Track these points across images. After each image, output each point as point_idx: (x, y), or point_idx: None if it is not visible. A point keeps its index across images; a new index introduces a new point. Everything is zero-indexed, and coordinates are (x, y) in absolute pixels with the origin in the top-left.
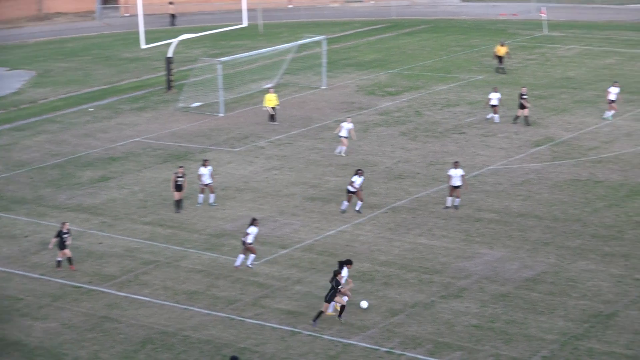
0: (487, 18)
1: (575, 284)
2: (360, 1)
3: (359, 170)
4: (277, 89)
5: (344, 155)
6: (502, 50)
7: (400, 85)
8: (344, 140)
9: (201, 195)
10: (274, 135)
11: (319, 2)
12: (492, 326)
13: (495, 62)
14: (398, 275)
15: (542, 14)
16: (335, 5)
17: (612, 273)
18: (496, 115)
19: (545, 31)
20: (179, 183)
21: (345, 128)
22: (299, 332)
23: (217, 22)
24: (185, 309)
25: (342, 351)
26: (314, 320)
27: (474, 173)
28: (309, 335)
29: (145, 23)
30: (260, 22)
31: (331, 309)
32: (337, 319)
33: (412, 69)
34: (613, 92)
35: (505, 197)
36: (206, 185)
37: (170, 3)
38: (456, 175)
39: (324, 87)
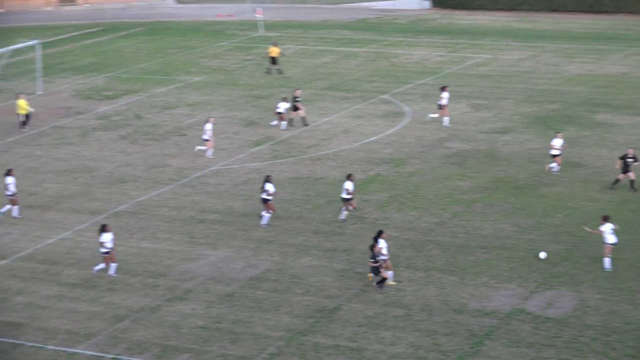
0: (204, 19)
1: (299, 280)
2: (73, 4)
3: (350, 174)
4: None
5: (212, 156)
6: (275, 51)
7: (118, 89)
8: (210, 143)
9: None
10: None
11: (31, 6)
12: (219, 326)
13: (269, 63)
14: (123, 280)
15: (258, 15)
16: (49, 8)
17: (334, 268)
18: (283, 123)
19: (261, 31)
20: None
21: (209, 129)
22: (22, 344)
23: None
24: None
25: None
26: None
27: (196, 174)
28: (33, 346)
29: None
30: None
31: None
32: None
33: (130, 72)
34: (444, 97)
35: (228, 197)
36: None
37: None
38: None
39: (39, 93)
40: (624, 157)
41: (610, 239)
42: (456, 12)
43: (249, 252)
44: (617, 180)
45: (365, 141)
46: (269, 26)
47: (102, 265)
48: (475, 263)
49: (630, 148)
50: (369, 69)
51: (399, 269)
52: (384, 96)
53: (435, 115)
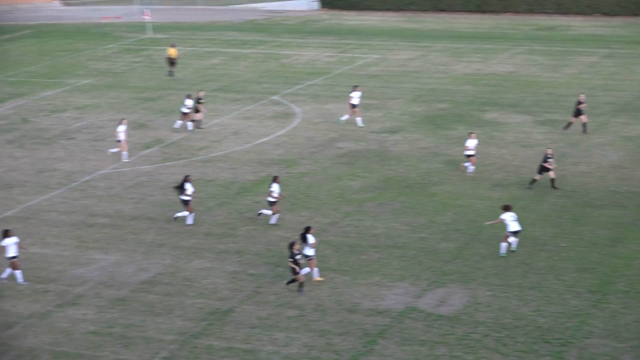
0: (91, 22)
1: (191, 283)
2: None
3: (276, 177)
4: None
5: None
6: (174, 52)
7: (4, 93)
8: (124, 145)
9: None
10: None
11: None
12: (111, 331)
13: (168, 65)
14: (11, 286)
15: (146, 17)
16: None
17: (227, 270)
18: (189, 123)
19: (150, 33)
20: None
21: (121, 131)
22: None
23: None
24: None
25: None
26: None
27: (86, 178)
28: None
29: None
30: None
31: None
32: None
33: (16, 76)
34: (355, 97)
35: (118, 201)
36: None
37: None
38: None
39: None
40: (545, 158)
41: (513, 226)
42: (345, 12)
43: (140, 255)
44: (534, 180)
45: (256, 142)
46: (158, 28)
47: (8, 271)
48: (367, 262)
49: (549, 148)
50: (258, 70)
51: None
52: (274, 97)
53: (347, 117)
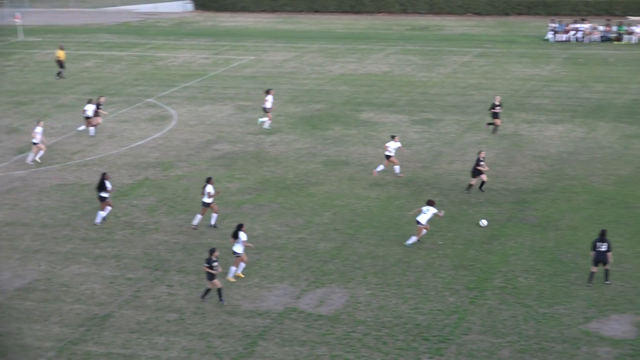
0: None
1: (69, 289)
2: None
3: (209, 178)
4: None
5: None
6: (62, 55)
7: None
8: (41, 146)
9: None
10: None
11: None
12: None
13: (57, 66)
14: None
15: (17, 20)
16: None
17: (104, 275)
18: (91, 128)
19: (21, 37)
20: None
21: (38, 132)
22: None
23: None
24: None
25: None
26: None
27: None
28: None
29: None
30: None
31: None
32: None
33: None
34: (269, 100)
35: None
36: None
37: None
38: None
39: None
40: (477, 161)
41: (422, 218)
42: (219, 14)
43: (15, 262)
44: (470, 185)
45: (132, 146)
46: (29, 31)
47: None
48: (247, 264)
49: (482, 151)
50: (133, 72)
51: (170, 273)
52: (150, 100)
53: (265, 119)
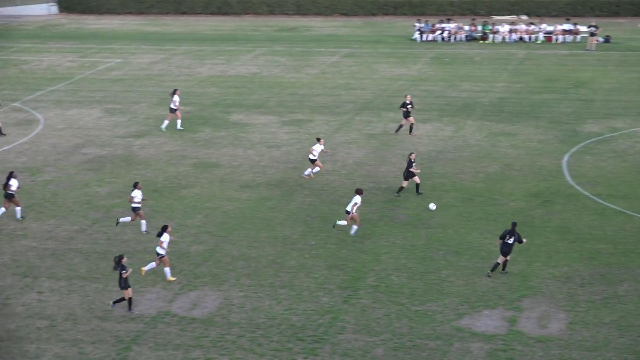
0: None
1: None
2: None
3: (137, 183)
4: None
5: None
6: None
7: None
8: None
9: None
10: None
11: None
12: None
13: None
14: None
15: None
16: None
17: None
18: None
19: None
20: None
21: None
22: None
23: None
24: None
25: None
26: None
27: None
28: None
29: None
30: None
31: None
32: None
33: None
34: (176, 101)
35: None
36: None
37: None
38: None
39: None
40: (409, 163)
41: (349, 207)
42: (85, 16)
43: None
44: (402, 188)
45: None
46: None
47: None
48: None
49: (412, 153)
50: None
51: (40, 279)
52: (15, 104)
53: (167, 122)
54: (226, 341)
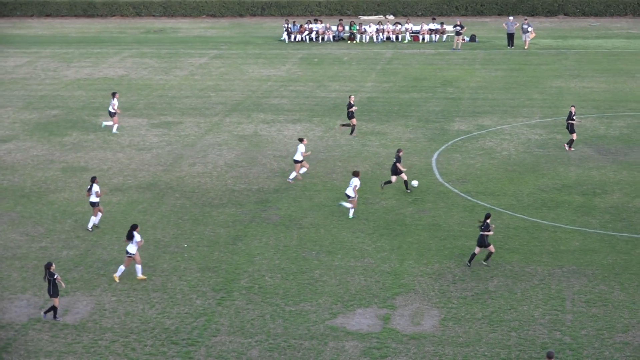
0: None
1: None
2: None
3: (94, 177)
4: None
5: None
6: None
7: None
8: None
9: None
10: None
11: None
12: None
13: None
14: None
15: None
16: None
17: None
18: None
19: None
20: None
21: None
22: None
23: None
24: None
25: None
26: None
27: None
28: None
29: None
30: None
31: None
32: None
33: None
34: (114, 104)
35: None
36: None
37: None
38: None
39: None
40: (397, 158)
41: (349, 191)
42: None
43: None
44: (389, 182)
45: None
46: None
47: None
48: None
49: (401, 149)
50: None
51: None
52: None
53: (110, 123)
54: (99, 347)
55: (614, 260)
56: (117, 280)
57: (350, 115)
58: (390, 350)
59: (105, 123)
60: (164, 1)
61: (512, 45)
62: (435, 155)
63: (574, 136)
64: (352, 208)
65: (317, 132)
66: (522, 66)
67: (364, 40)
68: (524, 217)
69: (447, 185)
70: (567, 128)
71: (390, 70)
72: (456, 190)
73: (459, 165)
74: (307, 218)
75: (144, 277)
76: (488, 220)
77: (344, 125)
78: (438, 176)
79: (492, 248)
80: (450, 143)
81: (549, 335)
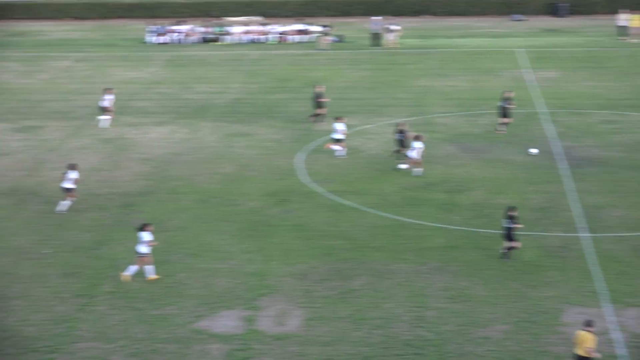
0: None
1: None
2: None
3: (74, 165)
4: None
5: None
6: None
7: None
8: None
9: None
10: None
11: None
12: None
13: None
14: None
15: None
16: None
17: None
18: None
19: None
20: None
21: None
22: None
23: None
24: None
25: None
26: None
27: None
28: None
29: None
30: None
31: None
32: None
33: None
34: (107, 99)
35: None
36: None
37: None
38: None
39: None
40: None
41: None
42: None
43: None
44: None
45: None
46: None
47: None
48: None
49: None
50: None
51: None
52: None
53: (105, 117)
54: None
55: (476, 257)
56: (156, 277)
57: (319, 105)
58: (254, 351)
59: (100, 118)
60: (28, 3)
61: (378, 45)
62: (300, 156)
63: (506, 120)
64: (419, 168)
65: (182, 135)
66: (388, 66)
67: (230, 42)
68: (389, 215)
69: (312, 185)
70: (501, 114)
71: (257, 71)
72: (322, 190)
73: (325, 165)
74: (172, 221)
75: (157, 277)
76: (515, 213)
77: (314, 116)
78: (304, 176)
79: (518, 244)
80: (316, 143)
81: (412, 332)
